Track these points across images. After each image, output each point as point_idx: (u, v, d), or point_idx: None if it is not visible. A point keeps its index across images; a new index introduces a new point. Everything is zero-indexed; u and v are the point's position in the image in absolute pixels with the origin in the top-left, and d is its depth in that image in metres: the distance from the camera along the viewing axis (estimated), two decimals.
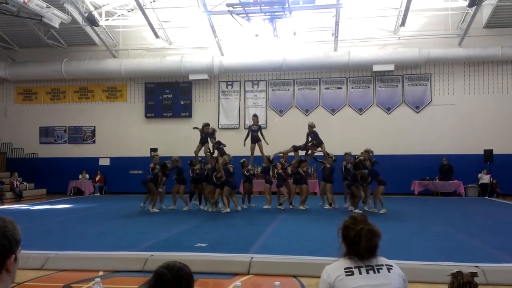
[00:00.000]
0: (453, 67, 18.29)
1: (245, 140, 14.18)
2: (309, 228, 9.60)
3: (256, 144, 14.04)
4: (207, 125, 13.59)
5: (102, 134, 20.25)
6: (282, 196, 13.44)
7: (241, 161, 13.79)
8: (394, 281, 2.32)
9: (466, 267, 2.41)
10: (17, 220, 1.57)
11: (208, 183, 12.94)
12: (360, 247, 2.29)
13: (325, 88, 19.04)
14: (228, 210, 12.37)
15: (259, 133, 14.14)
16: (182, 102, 19.66)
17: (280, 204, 13.26)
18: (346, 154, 13.62)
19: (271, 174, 13.96)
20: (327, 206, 13.10)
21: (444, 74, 18.37)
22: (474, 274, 2.36)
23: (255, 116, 14.63)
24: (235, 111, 19.44)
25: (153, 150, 16.92)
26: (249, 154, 14.41)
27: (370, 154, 12.46)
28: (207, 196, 13.01)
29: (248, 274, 5.94)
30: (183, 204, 13.33)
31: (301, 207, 12.93)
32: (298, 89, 19.18)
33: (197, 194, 13.66)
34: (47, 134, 20.62)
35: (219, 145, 13.09)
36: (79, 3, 16.65)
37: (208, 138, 13.39)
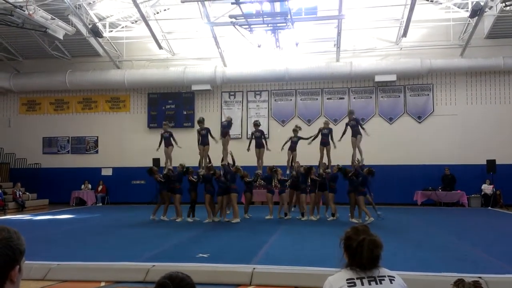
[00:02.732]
0: (455, 77, 18.31)
1: (249, 145, 14.17)
2: (311, 238, 9.57)
3: (259, 150, 14.06)
4: (200, 121, 13.73)
5: (105, 144, 20.30)
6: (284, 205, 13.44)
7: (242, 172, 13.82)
8: None
9: (469, 278, 2.40)
10: (19, 231, 1.58)
11: (206, 191, 12.83)
12: (362, 257, 2.29)
13: (327, 98, 19.07)
14: (239, 219, 12.32)
15: (262, 140, 14.15)
16: (185, 113, 19.72)
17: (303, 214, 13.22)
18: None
19: (273, 183, 13.88)
20: (330, 218, 12.95)
21: (446, 84, 18.39)
22: (477, 283, 2.34)
23: (256, 124, 14.52)
24: (237, 121, 19.44)
25: (155, 164, 16.86)
26: (251, 163, 14.42)
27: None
28: (206, 206, 12.85)
29: (250, 285, 5.92)
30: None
31: (312, 218, 12.87)
32: (301, 99, 19.22)
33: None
34: (50, 144, 20.69)
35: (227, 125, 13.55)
36: (83, 14, 16.82)
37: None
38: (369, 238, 2.32)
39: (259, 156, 14.23)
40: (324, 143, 13.61)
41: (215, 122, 19.49)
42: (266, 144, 14.12)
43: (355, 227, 2.43)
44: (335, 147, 13.52)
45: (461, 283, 2.33)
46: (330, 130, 13.72)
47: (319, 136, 13.76)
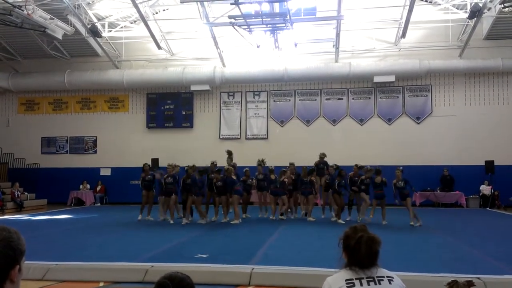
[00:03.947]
0: (454, 78, 18.34)
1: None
2: (310, 239, 9.58)
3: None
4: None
5: (103, 144, 20.27)
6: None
7: (244, 170, 13.84)
8: None
9: (463, 278, 2.41)
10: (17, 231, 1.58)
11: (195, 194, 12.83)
12: (361, 254, 2.29)
13: (326, 99, 19.08)
14: (239, 221, 12.30)
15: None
16: (184, 113, 19.71)
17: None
18: (397, 169, 12.48)
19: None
20: (333, 218, 12.97)
21: (444, 85, 18.42)
22: (470, 283, 2.34)
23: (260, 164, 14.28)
24: (236, 122, 19.48)
25: (154, 162, 16.91)
26: (252, 163, 14.44)
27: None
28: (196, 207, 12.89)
29: (249, 285, 5.93)
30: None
31: (310, 219, 12.90)
32: (299, 100, 19.23)
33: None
34: (48, 144, 20.66)
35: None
36: (82, 14, 16.80)
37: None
38: (367, 235, 2.34)
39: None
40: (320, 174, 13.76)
41: (214, 122, 19.53)
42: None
43: (354, 226, 2.45)
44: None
45: (455, 284, 2.34)
46: (326, 163, 13.84)
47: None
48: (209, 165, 13.32)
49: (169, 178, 12.84)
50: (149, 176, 13.59)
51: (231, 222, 12.23)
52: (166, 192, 12.80)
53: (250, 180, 14.14)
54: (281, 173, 13.67)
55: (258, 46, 16.14)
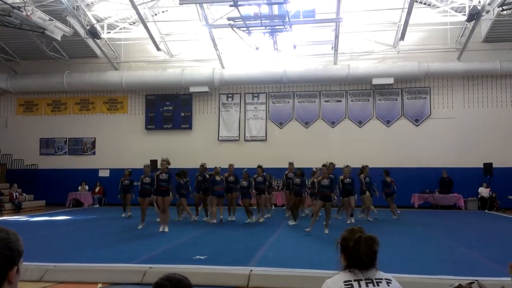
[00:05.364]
0: (452, 80, 18.38)
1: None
2: (309, 241, 9.57)
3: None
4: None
5: (102, 145, 20.26)
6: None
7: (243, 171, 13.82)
8: None
9: (465, 281, 2.41)
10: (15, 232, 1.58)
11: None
12: (360, 254, 2.30)
13: (325, 101, 19.11)
14: (214, 221, 12.66)
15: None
16: (183, 114, 19.71)
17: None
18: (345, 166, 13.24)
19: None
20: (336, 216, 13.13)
21: (443, 88, 18.46)
22: (470, 285, 2.35)
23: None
24: (235, 123, 19.49)
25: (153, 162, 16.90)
26: (250, 165, 14.43)
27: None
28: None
29: (247, 287, 5.93)
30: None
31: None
32: (298, 102, 19.25)
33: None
34: (47, 145, 20.63)
35: None
36: (81, 16, 16.80)
37: None
38: (365, 235, 2.35)
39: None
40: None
41: (213, 124, 19.54)
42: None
43: (351, 228, 2.46)
44: None
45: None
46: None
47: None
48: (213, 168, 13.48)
49: (147, 178, 12.34)
50: (126, 181, 14.58)
51: (209, 222, 12.67)
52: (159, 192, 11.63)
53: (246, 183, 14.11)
54: (312, 174, 13.58)
55: (257, 48, 16.16)
